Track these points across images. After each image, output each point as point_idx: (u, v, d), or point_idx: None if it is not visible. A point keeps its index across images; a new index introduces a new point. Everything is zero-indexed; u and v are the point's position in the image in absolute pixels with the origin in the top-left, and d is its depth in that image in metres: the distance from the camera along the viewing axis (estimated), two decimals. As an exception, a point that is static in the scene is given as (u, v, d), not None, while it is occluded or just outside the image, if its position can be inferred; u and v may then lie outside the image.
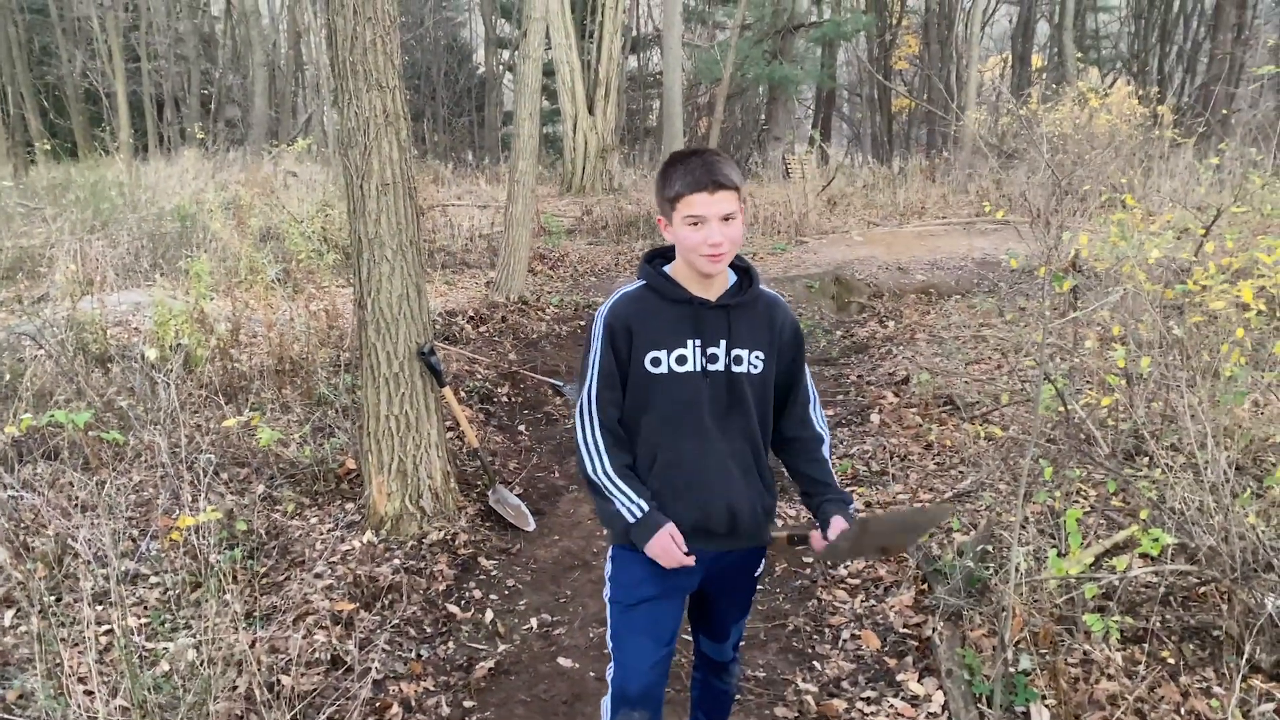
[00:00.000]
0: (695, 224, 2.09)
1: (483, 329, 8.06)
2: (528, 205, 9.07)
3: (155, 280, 8.01)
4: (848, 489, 5.00)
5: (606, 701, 2.39)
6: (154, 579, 3.80)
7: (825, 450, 2.37)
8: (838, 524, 2.22)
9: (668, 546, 2.17)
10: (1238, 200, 6.70)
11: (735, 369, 2.22)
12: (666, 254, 2.30)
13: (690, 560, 2.19)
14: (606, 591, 2.38)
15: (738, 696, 3.29)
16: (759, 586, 4.07)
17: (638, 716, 2.34)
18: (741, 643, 2.66)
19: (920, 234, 12.60)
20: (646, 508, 2.19)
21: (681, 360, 2.20)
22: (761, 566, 2.49)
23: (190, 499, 4.06)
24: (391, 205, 4.22)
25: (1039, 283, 7.49)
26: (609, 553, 2.38)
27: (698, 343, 2.20)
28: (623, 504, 2.20)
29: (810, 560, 4.32)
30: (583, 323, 8.82)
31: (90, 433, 4.65)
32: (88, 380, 5.36)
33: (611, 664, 2.38)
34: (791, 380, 2.34)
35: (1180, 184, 10.49)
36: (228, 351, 6.14)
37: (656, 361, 2.20)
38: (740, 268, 2.29)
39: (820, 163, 19.43)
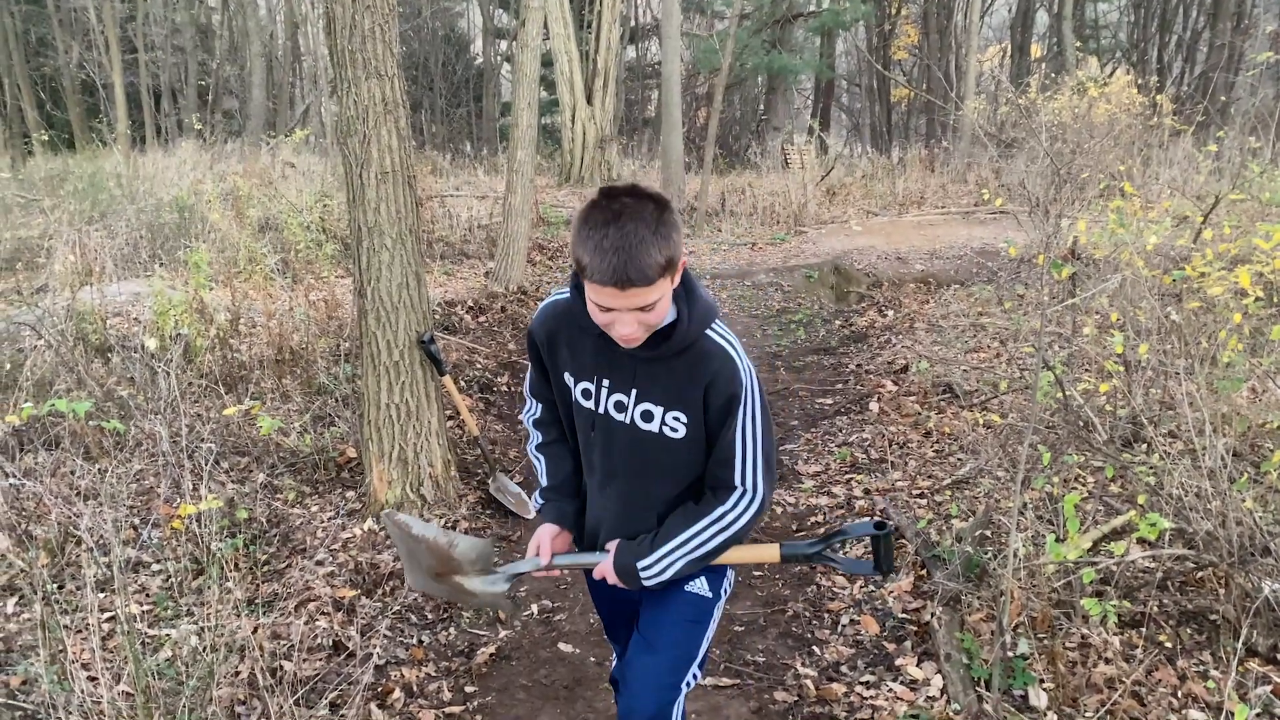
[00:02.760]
0: (603, 310, 1.75)
1: (482, 319, 8.06)
2: (526, 196, 9.06)
3: (154, 271, 8.00)
4: (847, 476, 5.02)
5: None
6: (156, 566, 3.82)
7: (710, 518, 1.92)
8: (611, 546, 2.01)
9: (538, 543, 2.09)
10: (1236, 187, 6.70)
11: (643, 425, 1.92)
12: None
13: (545, 565, 2.06)
14: None
15: (737, 682, 3.31)
16: (757, 573, 4.10)
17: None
18: (676, 705, 2.05)
19: (919, 223, 12.60)
20: (542, 500, 2.17)
21: (587, 394, 1.97)
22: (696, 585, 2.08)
23: (191, 487, 4.07)
24: (391, 193, 4.22)
25: (1037, 271, 7.50)
26: None
27: (606, 383, 1.93)
28: (538, 483, 2.21)
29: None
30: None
31: (91, 422, 4.65)
32: (88, 370, 5.36)
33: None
34: (717, 446, 1.92)
35: (1179, 172, 10.50)
36: (227, 341, 6.14)
37: (571, 381, 2.01)
38: (678, 303, 1.84)
39: (819, 153, 19.43)
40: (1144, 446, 4.17)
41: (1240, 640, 2.85)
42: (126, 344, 5.96)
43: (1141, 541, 3.42)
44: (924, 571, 3.83)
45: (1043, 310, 3.83)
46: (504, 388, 6.67)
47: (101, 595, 3.47)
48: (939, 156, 18.01)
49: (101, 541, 3.67)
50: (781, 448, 5.59)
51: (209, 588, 3.24)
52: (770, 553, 2.02)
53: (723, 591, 2.09)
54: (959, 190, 15.04)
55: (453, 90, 30.08)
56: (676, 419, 1.89)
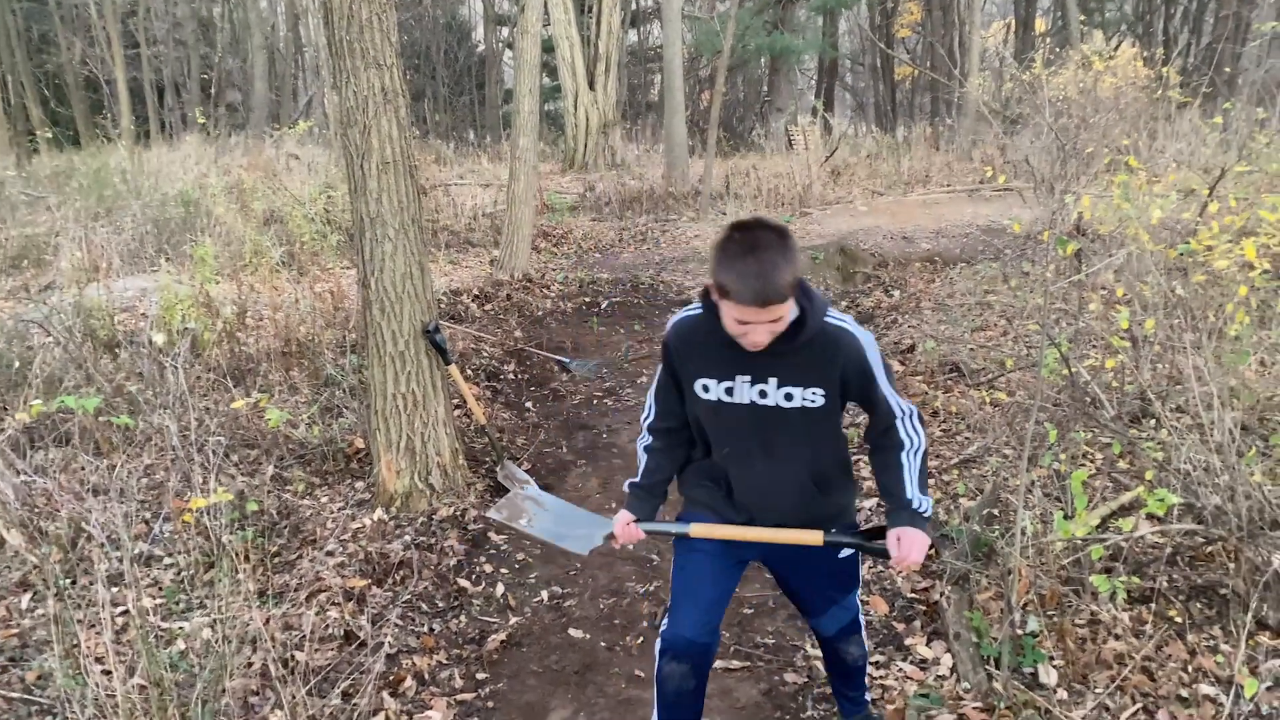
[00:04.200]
0: (740, 324, 2.05)
1: (488, 307, 8.07)
2: (530, 183, 9.05)
3: (160, 265, 8.03)
4: (855, 457, 5.01)
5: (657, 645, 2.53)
6: (167, 560, 3.84)
7: (904, 455, 2.31)
8: (892, 538, 2.26)
9: (619, 522, 2.50)
10: (1243, 159, 6.65)
11: (787, 404, 2.22)
12: None
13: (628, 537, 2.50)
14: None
15: (748, 664, 3.33)
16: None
17: (679, 664, 2.42)
18: (860, 622, 2.67)
19: (925, 202, 12.55)
20: (628, 491, 2.53)
21: (730, 392, 2.24)
22: (846, 551, 2.46)
23: (201, 481, 4.09)
24: (392, 184, 4.22)
25: (1043, 247, 7.47)
26: None
27: (747, 379, 2.22)
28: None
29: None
30: (588, 299, 8.86)
31: (100, 417, 4.68)
32: (96, 366, 5.39)
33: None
34: (868, 404, 2.29)
35: (1186, 145, 10.41)
36: (234, 334, 6.16)
37: (706, 388, 2.26)
38: (800, 303, 2.14)
39: (823, 133, 19.33)
40: (1151, 422, 4.16)
41: (1250, 614, 2.84)
42: (134, 339, 5.98)
43: (1150, 517, 3.42)
44: (932, 551, 3.82)
45: (1046, 286, 3.81)
46: (510, 375, 6.68)
47: (114, 590, 3.49)
48: (944, 134, 17.91)
49: (113, 536, 3.69)
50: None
51: (220, 580, 3.26)
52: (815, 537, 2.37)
53: None
54: (964, 168, 14.96)
55: (455, 78, 29.98)
56: (815, 393, 2.20)
